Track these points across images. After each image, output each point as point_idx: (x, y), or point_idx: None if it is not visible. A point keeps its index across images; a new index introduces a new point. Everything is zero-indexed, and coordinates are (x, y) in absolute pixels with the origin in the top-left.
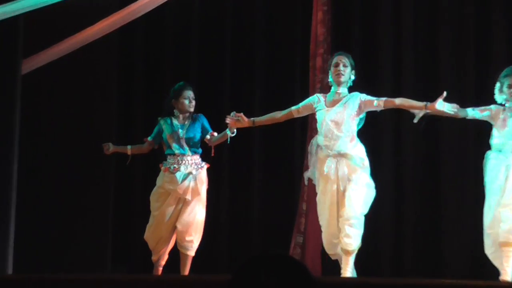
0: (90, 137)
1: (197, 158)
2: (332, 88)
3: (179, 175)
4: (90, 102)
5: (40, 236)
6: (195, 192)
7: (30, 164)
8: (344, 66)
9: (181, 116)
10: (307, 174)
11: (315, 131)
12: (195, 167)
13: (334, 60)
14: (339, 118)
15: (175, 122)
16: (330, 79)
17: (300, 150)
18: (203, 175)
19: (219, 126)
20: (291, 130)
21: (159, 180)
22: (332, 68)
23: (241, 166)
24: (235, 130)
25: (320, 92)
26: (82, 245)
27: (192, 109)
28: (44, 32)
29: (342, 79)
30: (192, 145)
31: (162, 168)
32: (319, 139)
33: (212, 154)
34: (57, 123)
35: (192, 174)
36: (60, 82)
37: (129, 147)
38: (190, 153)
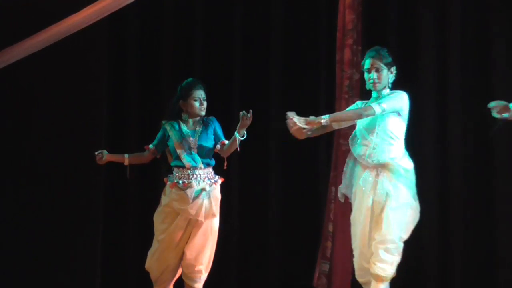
0: (75, 143)
1: (210, 172)
2: (372, 93)
3: (190, 192)
4: (75, 102)
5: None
6: (209, 213)
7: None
8: (377, 71)
9: (190, 120)
10: (341, 189)
11: (342, 137)
12: (209, 182)
13: (366, 64)
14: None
15: (184, 127)
16: (367, 85)
17: (325, 159)
18: (217, 192)
19: (229, 131)
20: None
21: (164, 198)
22: (365, 73)
23: (254, 177)
24: (245, 133)
25: (348, 91)
26: (66, 276)
27: (203, 112)
28: (19, 21)
29: (378, 87)
30: (205, 155)
31: (168, 183)
32: (357, 149)
33: (225, 167)
34: (36, 126)
35: (205, 191)
36: (39, 80)
37: (126, 156)
38: (202, 166)
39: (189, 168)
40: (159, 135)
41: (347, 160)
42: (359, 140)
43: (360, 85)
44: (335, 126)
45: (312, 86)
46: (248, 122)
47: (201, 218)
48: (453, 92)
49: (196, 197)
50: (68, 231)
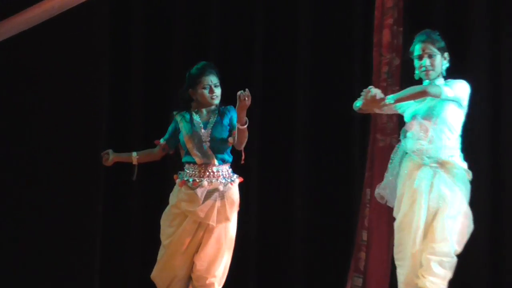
0: (72, 138)
1: (226, 169)
2: (423, 83)
3: (200, 192)
4: (73, 91)
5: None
6: (222, 216)
7: None
8: (430, 56)
9: (204, 110)
10: (379, 189)
11: (380, 131)
12: (223, 181)
13: (416, 50)
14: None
15: (196, 118)
16: (416, 72)
17: (359, 156)
18: (234, 192)
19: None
20: (346, 127)
21: (173, 198)
22: (415, 61)
23: (277, 177)
24: (246, 119)
25: (387, 78)
26: (64, 281)
27: (216, 101)
28: None
29: (431, 75)
30: (219, 150)
31: (178, 181)
32: (408, 143)
33: (242, 161)
34: (29, 119)
35: (218, 191)
36: (28, 66)
37: (134, 154)
38: (216, 162)
39: (200, 165)
40: (170, 128)
41: (392, 156)
42: (411, 132)
43: (400, 71)
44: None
45: (345, 74)
46: (247, 102)
47: (211, 222)
48: (509, 83)
49: (207, 197)
50: (65, 233)
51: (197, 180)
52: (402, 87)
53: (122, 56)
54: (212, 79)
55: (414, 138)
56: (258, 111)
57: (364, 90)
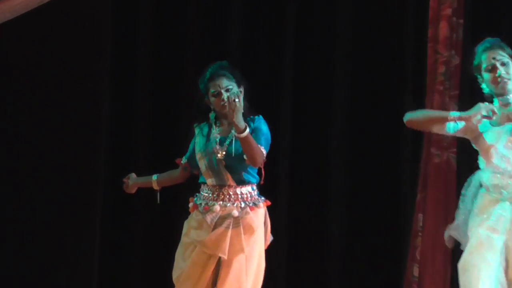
0: (66, 141)
1: (247, 191)
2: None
3: (210, 218)
4: (68, 90)
5: None
6: (236, 247)
7: None
8: (503, 64)
9: (225, 122)
10: (451, 230)
11: (435, 145)
12: (242, 205)
13: (484, 62)
14: None
15: (214, 131)
16: (485, 89)
17: (409, 175)
18: (253, 219)
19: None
20: (395, 140)
21: (185, 225)
22: (485, 75)
23: (310, 200)
24: (245, 125)
25: (444, 80)
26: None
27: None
28: None
29: (509, 85)
30: (236, 169)
31: (190, 204)
32: (485, 176)
33: (261, 181)
34: (19, 118)
35: (233, 218)
36: (19, 61)
37: (154, 177)
38: (234, 183)
39: (214, 186)
40: (191, 144)
41: (463, 191)
42: (490, 162)
43: (460, 72)
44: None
45: (393, 76)
46: (235, 105)
47: (221, 253)
48: None
49: (219, 224)
50: (61, 239)
51: (209, 204)
52: (462, 90)
53: (126, 51)
54: (221, 83)
55: (492, 171)
56: (288, 122)
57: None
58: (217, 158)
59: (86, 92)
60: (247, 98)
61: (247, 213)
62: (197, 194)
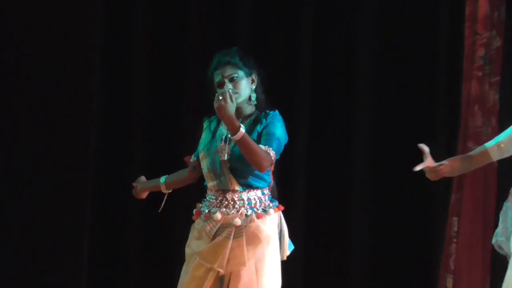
0: (52, 141)
1: (255, 197)
2: None
3: (210, 227)
4: (54, 86)
5: None
6: (236, 261)
7: None
8: None
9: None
10: (498, 236)
11: (472, 138)
12: (247, 212)
13: None
14: None
15: (222, 128)
16: None
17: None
18: (260, 228)
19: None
20: (426, 132)
21: (190, 234)
22: None
23: (331, 204)
24: (242, 126)
25: (484, 65)
26: None
27: (238, 97)
28: None
29: None
30: (242, 172)
31: (194, 211)
32: None
33: (269, 189)
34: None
35: (235, 227)
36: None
37: (162, 180)
38: (238, 188)
39: (217, 191)
40: (201, 139)
41: (500, 214)
42: None
43: (503, 56)
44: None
45: (425, 59)
46: (222, 103)
47: (218, 267)
48: None
49: (219, 234)
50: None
51: (212, 212)
52: (504, 78)
53: (120, 40)
54: (225, 71)
55: None
56: (305, 117)
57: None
58: (220, 158)
59: (74, 85)
60: (264, 89)
61: (251, 221)
62: (203, 199)
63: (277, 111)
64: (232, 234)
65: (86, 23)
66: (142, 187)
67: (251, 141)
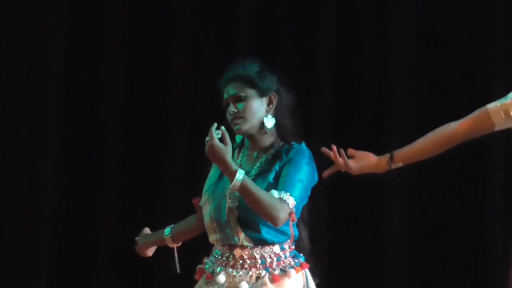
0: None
1: (270, 253)
2: None
3: None
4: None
5: None
6: None
7: None
8: None
9: (256, 148)
10: None
11: None
12: (261, 273)
13: None
14: None
15: (240, 160)
16: None
17: (503, 190)
18: None
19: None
20: (482, 144)
21: None
22: None
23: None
24: (238, 171)
25: None
26: None
27: (237, 127)
28: None
29: None
30: (252, 223)
31: (197, 268)
32: None
33: (290, 243)
34: None
35: None
36: None
37: (167, 231)
38: (249, 242)
39: (223, 246)
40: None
41: None
42: None
43: None
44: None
45: (477, 57)
46: (211, 143)
47: None
48: None
49: None
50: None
51: (216, 271)
52: None
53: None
54: (230, 89)
55: None
56: (326, 126)
57: None
58: (228, 205)
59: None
60: (292, 114)
61: (264, 285)
62: (208, 257)
63: (303, 144)
64: None
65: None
66: (145, 241)
67: (255, 189)
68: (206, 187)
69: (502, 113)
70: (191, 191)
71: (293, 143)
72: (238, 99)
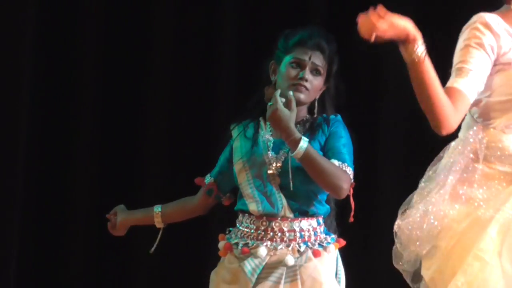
0: None
1: (309, 226)
2: None
3: (251, 267)
4: None
5: None
6: None
7: None
8: None
9: None
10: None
11: None
12: (299, 247)
13: None
14: None
15: (264, 133)
16: None
17: None
18: (320, 268)
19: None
20: None
21: (213, 277)
22: None
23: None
24: (303, 140)
25: None
26: None
27: (303, 95)
28: None
29: None
30: (299, 192)
31: (221, 244)
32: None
33: (351, 219)
34: None
35: (286, 268)
36: None
37: (157, 209)
38: (290, 214)
39: (260, 217)
40: (222, 155)
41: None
42: None
43: None
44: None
45: None
46: (278, 108)
47: None
48: None
49: (265, 277)
50: None
51: (250, 245)
52: None
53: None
54: (315, 56)
55: None
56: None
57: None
58: (268, 172)
59: None
60: (334, 87)
61: (309, 260)
62: (230, 229)
63: (339, 116)
64: (283, 277)
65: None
66: (125, 218)
67: (319, 158)
68: (238, 155)
69: None
70: (169, 179)
71: (324, 115)
72: (316, 71)
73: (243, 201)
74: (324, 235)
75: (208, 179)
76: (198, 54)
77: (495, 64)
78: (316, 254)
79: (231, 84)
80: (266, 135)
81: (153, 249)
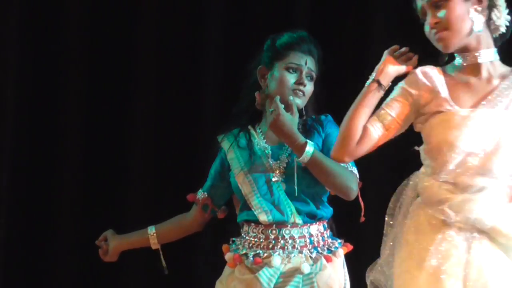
0: None
1: (317, 231)
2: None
3: (267, 277)
4: None
5: None
6: None
7: None
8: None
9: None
10: (373, 274)
11: None
12: (313, 254)
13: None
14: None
15: (257, 139)
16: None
17: None
18: (332, 275)
19: None
20: None
21: (220, 283)
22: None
23: None
24: (310, 145)
25: None
26: None
27: (298, 100)
28: None
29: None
30: (306, 196)
31: (228, 256)
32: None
33: (362, 218)
34: None
35: (303, 276)
36: None
37: (151, 230)
38: (298, 220)
39: (269, 226)
40: (213, 168)
41: (390, 205)
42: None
43: None
44: None
45: None
46: (280, 113)
47: None
48: None
49: (280, 287)
50: None
51: (262, 255)
52: None
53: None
54: (309, 61)
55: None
56: None
57: None
58: (272, 179)
59: None
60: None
61: (324, 267)
62: (233, 239)
63: (329, 116)
64: (301, 285)
65: None
66: (118, 242)
67: (326, 161)
68: (237, 167)
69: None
70: (154, 189)
71: (313, 116)
72: (311, 76)
73: (249, 212)
74: (330, 239)
75: (200, 194)
76: (182, 58)
77: (422, 114)
78: (327, 259)
79: (216, 91)
80: (261, 142)
81: (166, 269)
